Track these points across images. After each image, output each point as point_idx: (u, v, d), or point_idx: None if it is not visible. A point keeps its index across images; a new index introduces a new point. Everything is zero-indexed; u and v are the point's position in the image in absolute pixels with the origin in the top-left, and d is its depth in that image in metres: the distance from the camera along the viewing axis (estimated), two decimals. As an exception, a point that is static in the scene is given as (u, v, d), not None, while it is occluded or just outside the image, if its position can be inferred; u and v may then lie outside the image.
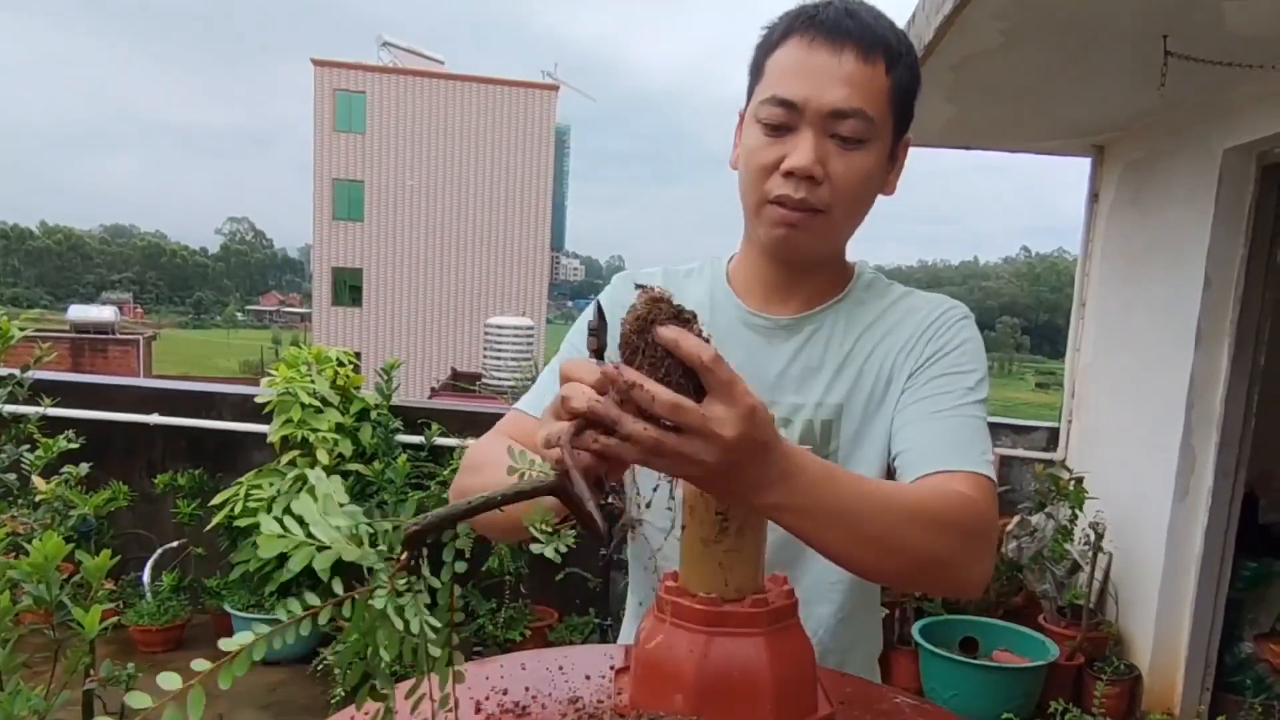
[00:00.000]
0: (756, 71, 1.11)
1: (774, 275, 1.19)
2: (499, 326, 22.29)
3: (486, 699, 0.98)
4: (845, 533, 0.87)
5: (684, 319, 0.75)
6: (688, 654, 0.91)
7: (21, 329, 2.52)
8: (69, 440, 2.87)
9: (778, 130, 1.05)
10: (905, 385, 1.13)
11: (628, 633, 1.38)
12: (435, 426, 4.39)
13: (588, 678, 1.05)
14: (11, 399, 2.71)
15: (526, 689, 1.01)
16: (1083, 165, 4.88)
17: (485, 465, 1.07)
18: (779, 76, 1.05)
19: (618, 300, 1.18)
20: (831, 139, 1.04)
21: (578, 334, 1.21)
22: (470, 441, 4.25)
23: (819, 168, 1.03)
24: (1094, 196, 4.77)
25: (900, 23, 1.15)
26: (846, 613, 1.19)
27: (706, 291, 1.23)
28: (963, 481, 1.00)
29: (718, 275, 1.24)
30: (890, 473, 1.14)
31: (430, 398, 12.02)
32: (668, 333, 0.72)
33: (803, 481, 0.83)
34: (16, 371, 2.69)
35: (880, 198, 1.15)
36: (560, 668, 1.08)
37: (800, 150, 1.03)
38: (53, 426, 3.96)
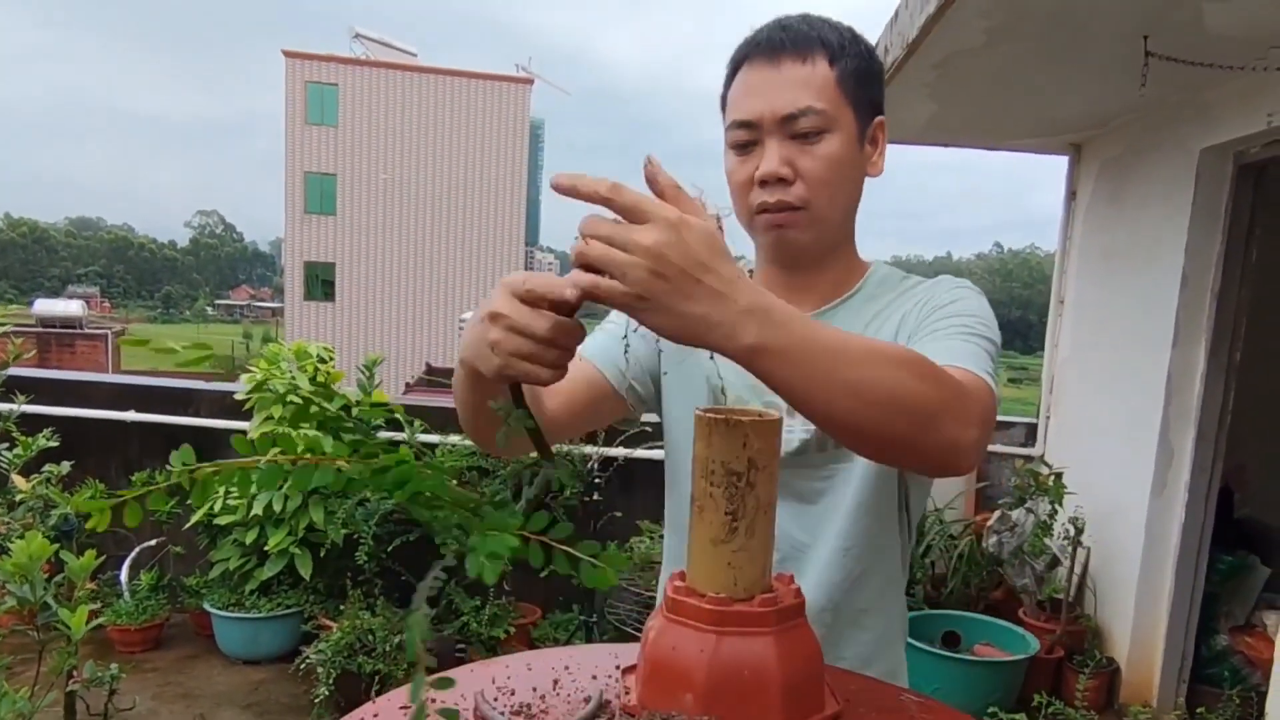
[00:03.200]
0: (723, 107, 1.21)
1: (786, 279, 1.24)
2: (474, 322, 22.19)
3: (495, 700, 0.98)
4: (827, 377, 0.82)
5: None
6: (697, 654, 0.91)
7: (1, 324, 2.49)
8: (47, 438, 2.82)
9: (745, 149, 1.15)
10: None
11: None
12: (418, 423, 4.36)
13: (594, 677, 1.05)
14: (-13, 396, 2.66)
15: (534, 689, 1.01)
16: (1056, 163, 4.92)
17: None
18: (735, 103, 1.16)
19: None
20: (793, 140, 1.12)
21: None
22: (453, 439, 4.25)
23: (786, 169, 1.12)
24: (1072, 194, 4.81)
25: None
26: (857, 576, 1.24)
27: None
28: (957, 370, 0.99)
29: None
30: None
31: (405, 393, 11.95)
32: (563, 179, 0.73)
33: (781, 317, 0.79)
34: (-6, 368, 2.65)
35: (869, 182, 1.21)
36: (567, 667, 1.07)
37: (766, 159, 1.12)
38: (27, 424, 3.90)
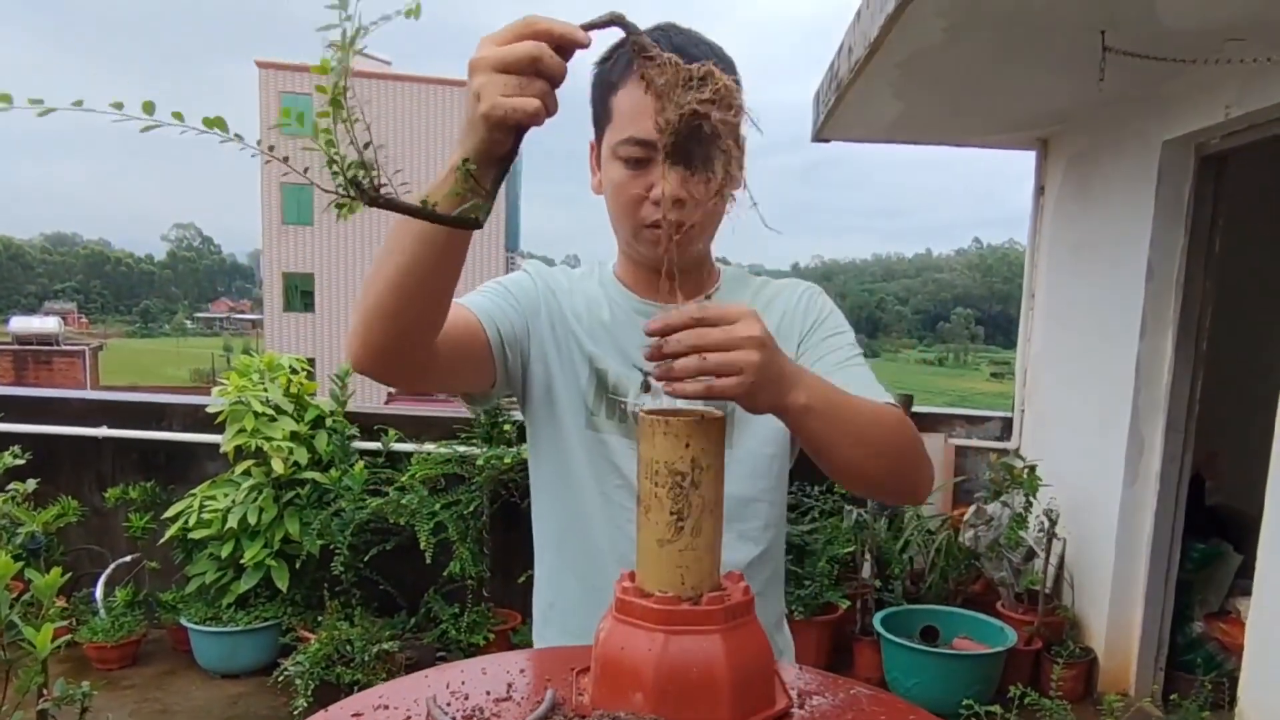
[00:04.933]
0: (603, 110, 1.25)
1: (655, 279, 1.27)
2: (455, 329, 22.13)
3: (448, 705, 0.98)
4: (850, 432, 1.03)
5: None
6: (646, 653, 0.92)
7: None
8: (14, 456, 2.80)
9: (639, 164, 1.20)
10: (798, 353, 1.31)
11: (541, 632, 1.43)
12: (392, 433, 4.35)
13: (549, 680, 1.05)
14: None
15: (487, 693, 1.01)
16: (1029, 158, 4.96)
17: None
18: (630, 118, 1.19)
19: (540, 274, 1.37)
20: None
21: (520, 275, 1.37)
22: (429, 446, 4.24)
23: (684, 192, 1.16)
24: (1040, 189, 4.85)
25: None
26: (753, 559, 1.33)
27: (598, 287, 1.38)
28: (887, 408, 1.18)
29: (606, 275, 1.40)
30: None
31: (387, 403, 11.90)
32: (654, 324, 0.88)
33: (811, 380, 0.99)
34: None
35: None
36: (522, 671, 1.08)
37: (668, 181, 1.15)
38: (-3, 442, 3.87)
